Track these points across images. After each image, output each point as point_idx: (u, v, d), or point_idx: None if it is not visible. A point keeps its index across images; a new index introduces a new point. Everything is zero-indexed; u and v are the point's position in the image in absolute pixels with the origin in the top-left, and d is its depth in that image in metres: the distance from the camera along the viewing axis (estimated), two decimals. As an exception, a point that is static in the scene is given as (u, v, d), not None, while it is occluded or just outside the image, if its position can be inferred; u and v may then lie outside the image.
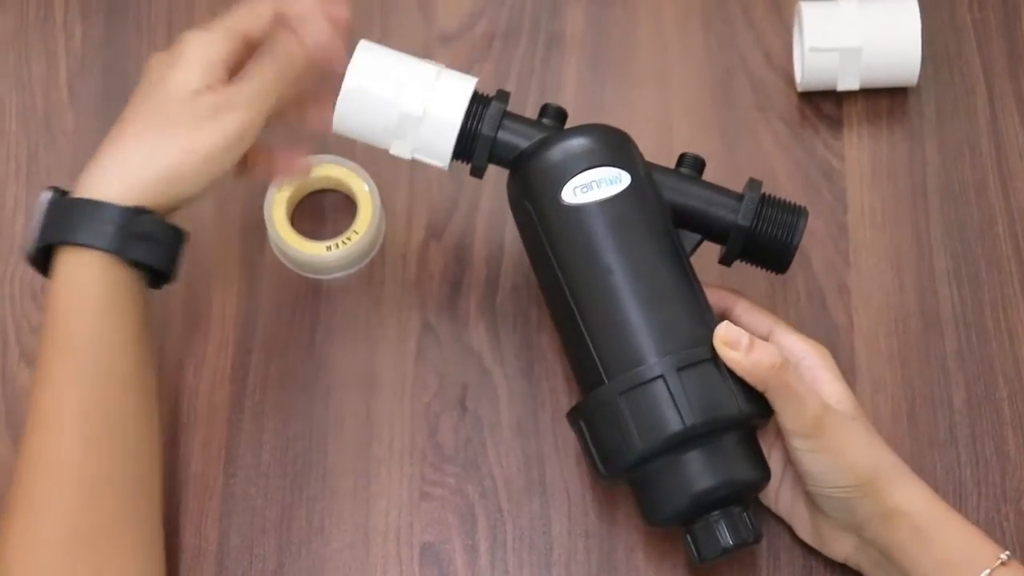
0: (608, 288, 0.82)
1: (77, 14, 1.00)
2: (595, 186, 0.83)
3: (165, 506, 0.90)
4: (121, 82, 0.99)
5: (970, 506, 0.90)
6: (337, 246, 0.93)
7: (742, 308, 0.87)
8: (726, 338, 0.80)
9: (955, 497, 0.90)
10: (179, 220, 0.95)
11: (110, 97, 0.98)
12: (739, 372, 0.80)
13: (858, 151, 0.98)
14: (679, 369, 0.80)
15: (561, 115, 0.87)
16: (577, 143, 0.84)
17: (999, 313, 0.94)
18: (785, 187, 0.96)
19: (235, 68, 0.83)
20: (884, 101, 0.98)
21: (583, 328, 0.83)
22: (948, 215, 0.96)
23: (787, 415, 0.81)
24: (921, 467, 0.89)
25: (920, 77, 0.96)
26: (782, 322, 0.87)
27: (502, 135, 0.85)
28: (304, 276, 0.95)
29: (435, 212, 0.96)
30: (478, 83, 0.86)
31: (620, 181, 0.83)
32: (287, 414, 0.92)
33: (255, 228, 0.95)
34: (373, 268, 0.95)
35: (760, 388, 0.81)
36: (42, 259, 0.82)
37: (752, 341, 0.80)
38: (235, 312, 0.94)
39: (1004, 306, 0.94)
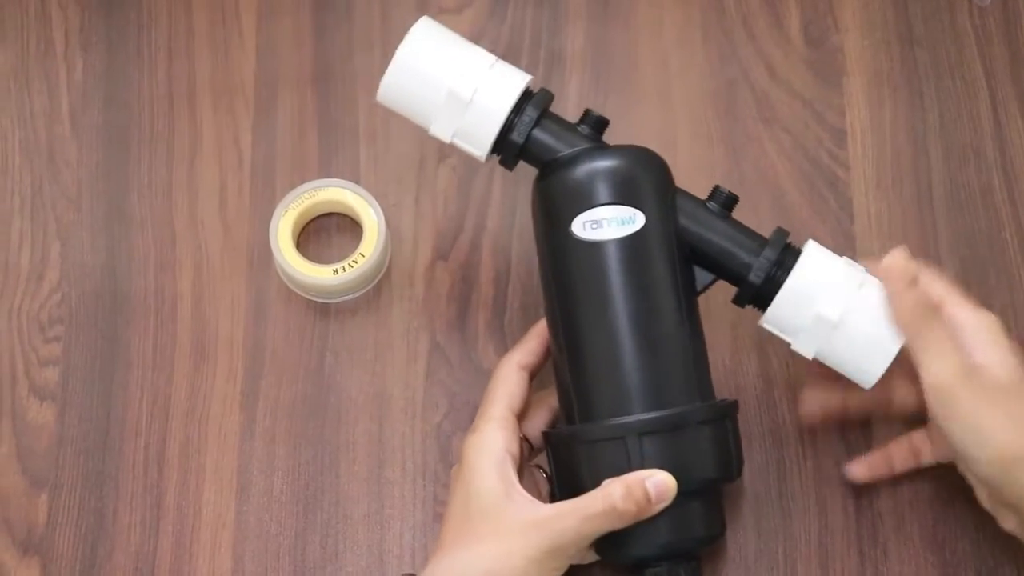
0: (596, 330, 0.81)
1: (77, 47, 1.00)
2: (606, 224, 0.81)
3: (178, 536, 0.89)
4: (123, 113, 0.99)
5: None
6: (344, 269, 0.93)
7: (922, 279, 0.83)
8: (891, 268, 0.81)
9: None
10: (185, 245, 0.95)
11: (112, 129, 0.98)
12: (890, 306, 0.80)
13: (863, 160, 0.97)
14: (641, 434, 0.79)
15: (599, 124, 0.84)
16: (599, 171, 0.81)
17: (1009, 319, 0.93)
18: (791, 198, 0.96)
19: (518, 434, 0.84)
20: (887, 110, 0.98)
21: (567, 360, 0.82)
22: (955, 222, 0.96)
23: (922, 368, 0.79)
24: (941, 472, 0.89)
25: (922, 83, 0.96)
26: (956, 294, 0.83)
27: (537, 137, 0.83)
28: (311, 300, 0.94)
29: (441, 233, 0.96)
30: (531, 81, 0.85)
31: (633, 222, 0.81)
32: (298, 439, 0.92)
33: (261, 253, 0.95)
34: (380, 290, 0.95)
35: (903, 331, 0.80)
36: None
37: (913, 280, 0.80)
38: (243, 338, 0.94)
39: (1014, 311, 0.94)
